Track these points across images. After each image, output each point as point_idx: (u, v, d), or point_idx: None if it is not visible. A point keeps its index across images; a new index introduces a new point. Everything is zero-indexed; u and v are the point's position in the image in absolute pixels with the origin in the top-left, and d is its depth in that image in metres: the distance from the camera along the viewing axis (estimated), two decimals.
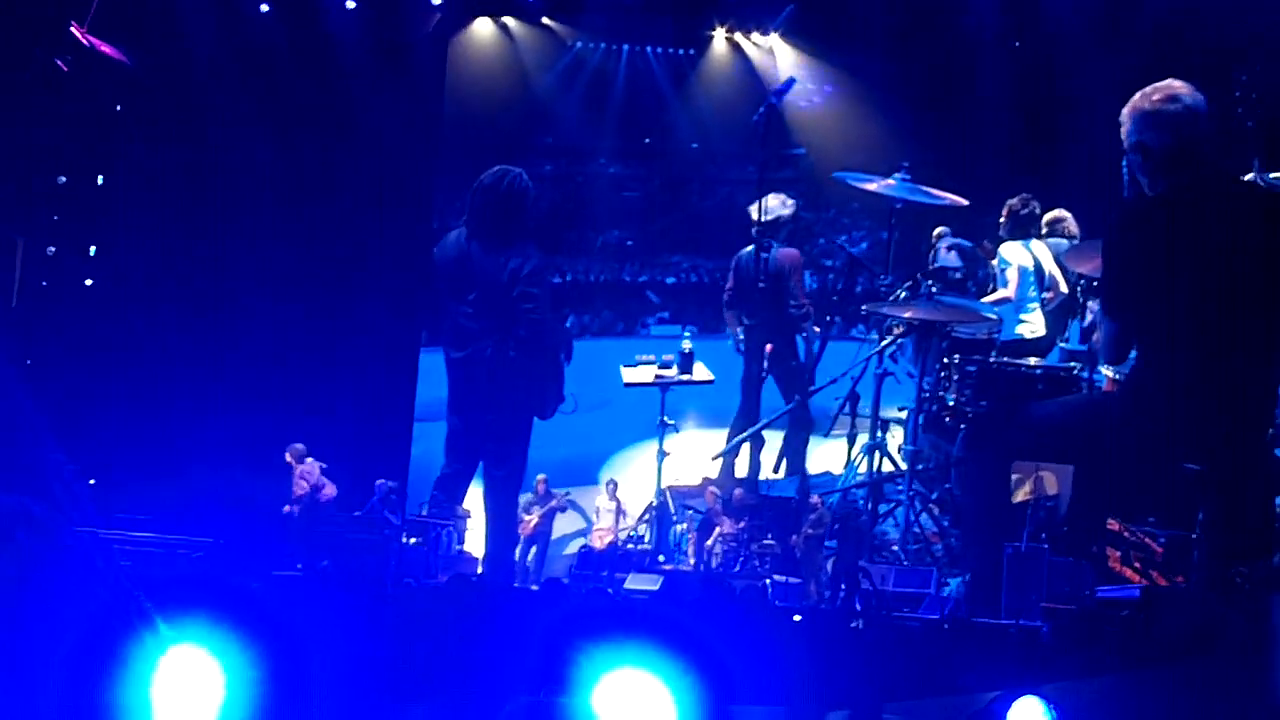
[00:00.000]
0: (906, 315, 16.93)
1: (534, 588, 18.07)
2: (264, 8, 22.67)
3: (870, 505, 17.62)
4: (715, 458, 20.83)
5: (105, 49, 18.99)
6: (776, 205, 20.30)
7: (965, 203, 17.52)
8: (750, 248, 19.85)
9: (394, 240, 22.42)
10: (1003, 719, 5.89)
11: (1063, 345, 17.50)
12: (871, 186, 17.38)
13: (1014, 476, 15.75)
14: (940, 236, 20.11)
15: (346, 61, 22.56)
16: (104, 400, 19.54)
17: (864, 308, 17.86)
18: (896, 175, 17.03)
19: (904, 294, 17.01)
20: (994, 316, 17.31)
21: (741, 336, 20.89)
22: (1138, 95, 10.47)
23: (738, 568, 18.67)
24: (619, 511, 21.05)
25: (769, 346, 19.90)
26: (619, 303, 24.94)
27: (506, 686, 6.57)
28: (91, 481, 17.56)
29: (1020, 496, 15.38)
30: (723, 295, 21.59)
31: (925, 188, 17.20)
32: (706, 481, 21.20)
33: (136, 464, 18.18)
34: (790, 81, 18.21)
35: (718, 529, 19.47)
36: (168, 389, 19.87)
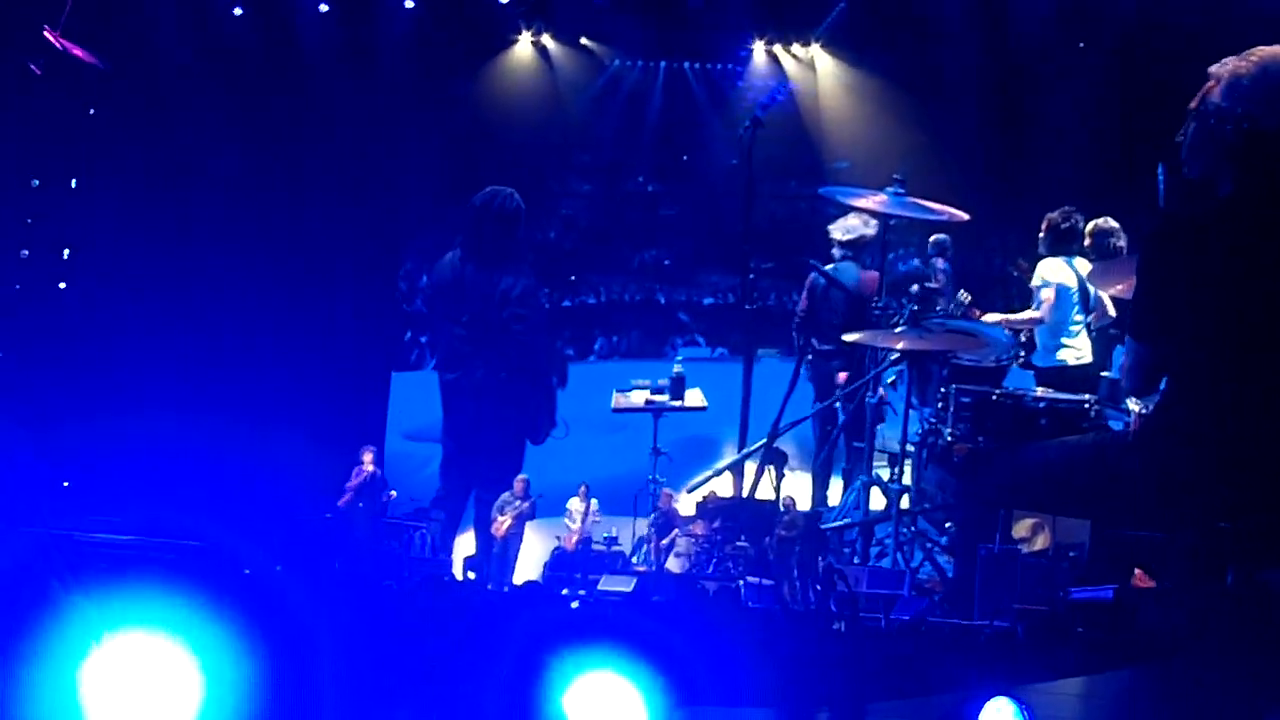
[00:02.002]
0: (855, 340, 16.32)
1: (506, 589, 18.15)
2: (237, 11, 22.65)
3: (860, 547, 16.82)
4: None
5: (78, 52, 18.93)
6: (859, 225, 19.25)
7: (965, 217, 16.59)
8: (829, 267, 19.16)
9: (366, 242, 22.42)
10: (971, 715, 5.91)
11: (1105, 376, 16.59)
12: (861, 203, 16.53)
13: (1030, 522, 15.13)
14: (935, 244, 19.65)
15: (319, 66, 22.54)
16: (76, 403, 19.49)
17: (844, 337, 16.92)
18: (888, 189, 16.01)
19: (900, 322, 15.76)
20: (989, 342, 16.10)
21: (810, 359, 19.61)
22: (1238, 60, 8.07)
23: (710, 569, 18.73)
24: (589, 514, 21.05)
25: (843, 375, 19.08)
26: (650, 323, 24.80)
27: (480, 688, 6.57)
28: (65, 484, 17.52)
29: (1038, 545, 14.78)
30: (793, 319, 20.50)
31: (920, 201, 16.28)
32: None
33: (109, 467, 18.14)
34: (778, 90, 18.02)
35: (675, 530, 19.46)
36: (139, 392, 19.82)
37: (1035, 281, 18.09)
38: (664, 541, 19.41)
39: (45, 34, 18.95)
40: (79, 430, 18.84)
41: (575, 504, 20.78)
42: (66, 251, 20.93)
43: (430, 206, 23.60)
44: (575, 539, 20.36)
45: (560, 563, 19.97)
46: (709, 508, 19.97)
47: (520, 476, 19.59)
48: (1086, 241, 18.21)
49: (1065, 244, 18.22)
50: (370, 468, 19.12)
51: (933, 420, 16.13)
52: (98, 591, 4.46)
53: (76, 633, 4.30)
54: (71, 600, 4.39)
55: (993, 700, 5.88)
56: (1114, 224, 18.24)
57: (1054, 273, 18.07)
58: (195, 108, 21.43)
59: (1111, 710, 8.83)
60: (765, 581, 19.31)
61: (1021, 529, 16.33)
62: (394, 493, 19.85)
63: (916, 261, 22.64)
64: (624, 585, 17.76)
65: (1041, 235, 18.37)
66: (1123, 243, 18.11)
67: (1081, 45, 23.83)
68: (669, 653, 7.74)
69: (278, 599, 5.59)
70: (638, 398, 19.46)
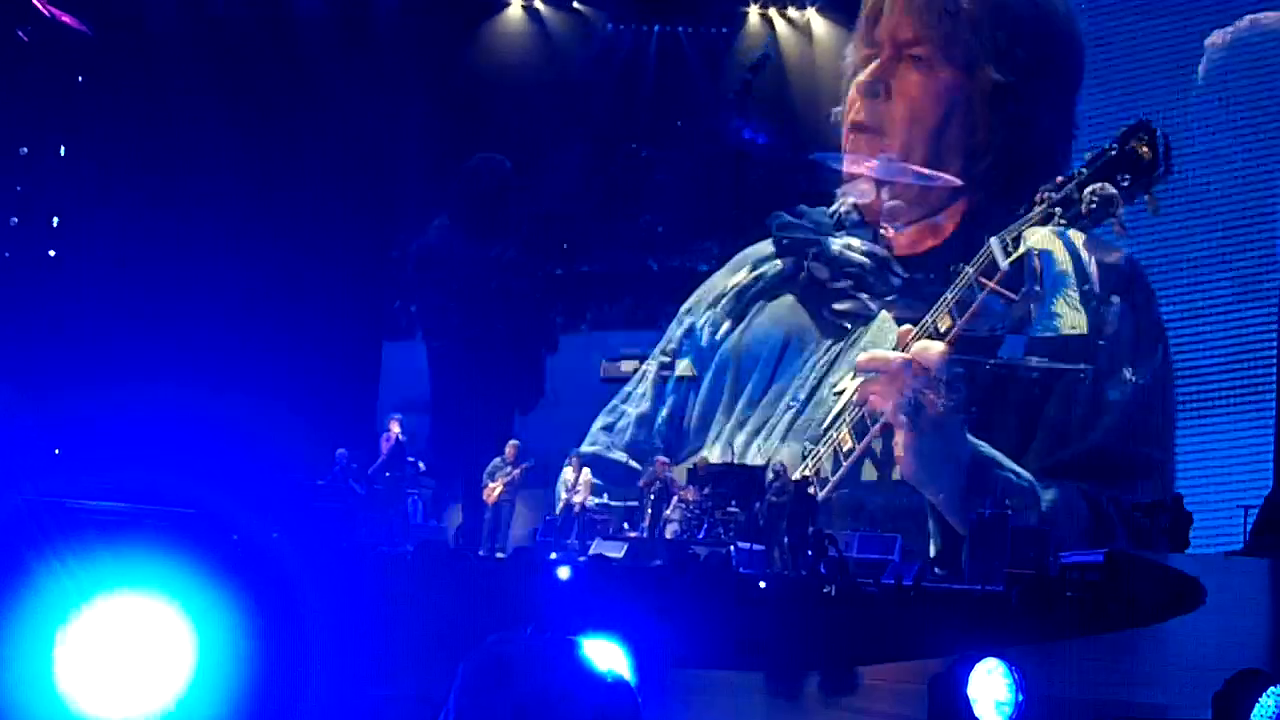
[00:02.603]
0: None
1: (500, 555, 18.22)
2: None
3: None
4: None
5: (66, 19, 18.85)
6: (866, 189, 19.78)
7: (958, 182, 16.62)
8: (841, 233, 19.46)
9: (357, 209, 22.29)
10: (965, 681, 5.91)
11: (1102, 345, 16.69)
12: (858, 169, 16.62)
13: None
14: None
15: (310, 33, 22.39)
16: (67, 370, 19.42)
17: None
18: (880, 155, 16.04)
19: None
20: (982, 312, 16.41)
21: None
22: None
23: (701, 534, 18.80)
24: (580, 482, 20.98)
25: None
26: (643, 292, 24.58)
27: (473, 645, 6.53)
28: (57, 451, 17.49)
29: None
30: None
31: (913, 167, 16.32)
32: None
33: (101, 435, 18.11)
34: (765, 55, 17.89)
35: (675, 498, 19.47)
36: (131, 360, 19.75)
37: (1023, 251, 18.14)
38: (666, 511, 19.43)
39: (33, 1, 18.87)
40: (71, 398, 18.81)
41: (567, 473, 20.73)
42: (56, 219, 20.86)
43: (422, 171, 23.52)
44: (563, 505, 20.32)
45: (551, 530, 19.96)
46: (700, 474, 20.04)
47: (511, 442, 19.59)
48: (1083, 210, 18.29)
49: (1061, 214, 18.38)
50: (398, 435, 18.88)
51: None
52: (86, 555, 4.43)
53: (55, 599, 4.25)
54: (52, 566, 4.35)
55: (983, 661, 5.89)
56: (1111, 190, 18.26)
57: (1043, 242, 18.05)
58: (185, 75, 21.31)
59: (1100, 670, 8.90)
60: (755, 547, 19.46)
61: None
62: (422, 464, 19.72)
63: None
64: (616, 551, 17.84)
65: (1037, 204, 18.45)
66: (1120, 211, 18.22)
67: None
68: (660, 616, 7.76)
69: (272, 563, 5.58)
70: (627, 366, 19.41)
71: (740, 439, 21.13)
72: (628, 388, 22.34)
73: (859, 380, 19.96)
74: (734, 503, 19.24)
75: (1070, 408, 19.19)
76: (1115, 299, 18.98)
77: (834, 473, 19.83)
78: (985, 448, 19.02)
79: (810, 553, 15.88)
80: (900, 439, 18.93)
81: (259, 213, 20.74)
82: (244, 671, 4.64)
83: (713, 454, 20.97)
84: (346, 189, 22.02)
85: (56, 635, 4.07)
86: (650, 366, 22.20)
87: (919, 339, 18.90)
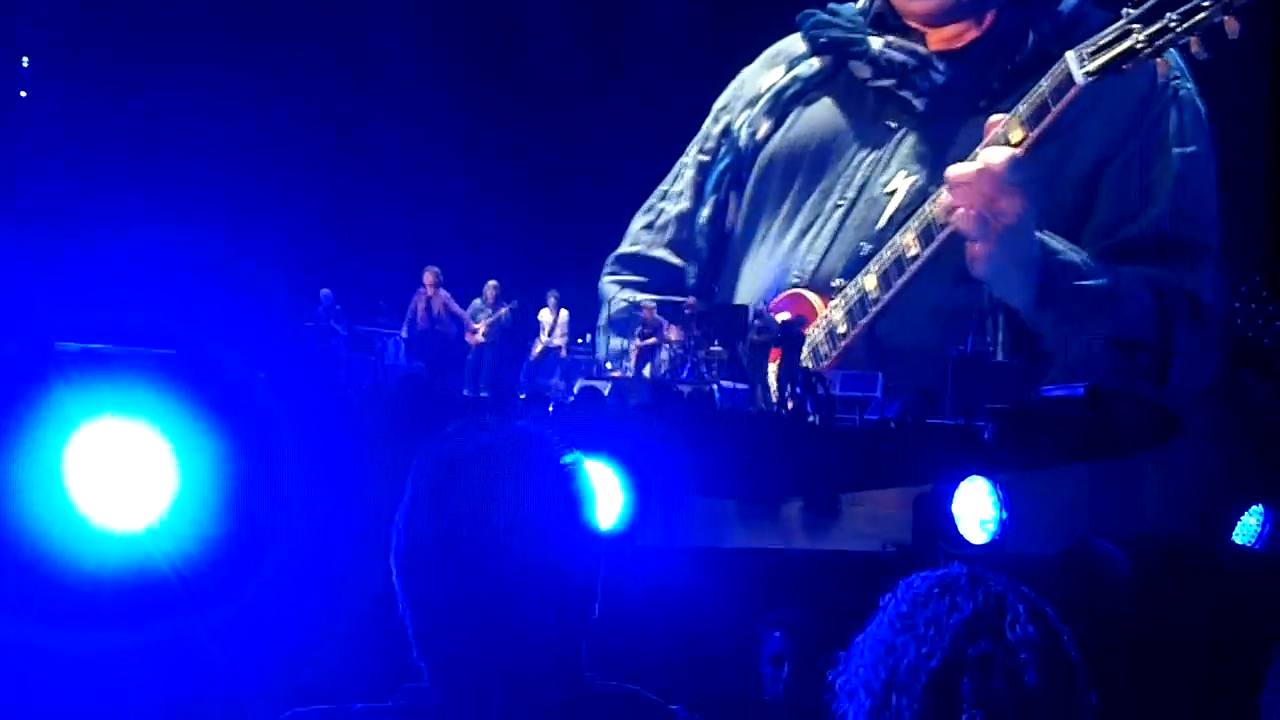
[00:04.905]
0: None
1: (484, 395, 18.22)
2: None
3: None
4: None
5: None
6: None
7: None
8: None
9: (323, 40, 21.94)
10: (950, 498, 5.96)
11: None
12: None
13: None
14: None
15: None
16: (45, 212, 19.24)
17: None
18: None
19: None
20: None
21: None
22: None
23: (685, 374, 18.84)
24: (559, 324, 20.92)
25: None
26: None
27: None
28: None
29: None
30: None
31: None
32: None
33: (83, 279, 18.01)
34: None
35: (653, 339, 19.44)
36: (112, 202, 19.52)
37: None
38: (646, 343, 19.39)
39: None
40: (52, 241, 18.64)
41: (545, 315, 20.68)
42: (26, 59, 20.53)
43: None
44: (541, 348, 20.28)
45: (531, 371, 19.97)
46: (684, 314, 20.02)
47: (490, 283, 19.47)
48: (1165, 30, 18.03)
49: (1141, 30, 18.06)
50: (431, 291, 18.44)
51: None
52: (78, 385, 4.49)
53: (58, 420, 4.34)
54: (52, 392, 4.42)
55: (968, 479, 5.93)
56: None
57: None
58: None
59: (1078, 495, 8.97)
60: (739, 385, 19.53)
61: None
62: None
63: None
64: (600, 388, 17.90)
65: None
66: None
67: None
68: (645, 450, 7.72)
69: (251, 398, 5.59)
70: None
71: (788, 239, 20.91)
72: (664, 185, 22.14)
73: (911, 179, 19.78)
74: (717, 342, 19.27)
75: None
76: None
77: (899, 277, 19.54)
78: (1062, 252, 18.91)
79: (798, 390, 15.93)
80: (974, 248, 18.61)
81: (240, 43, 20.37)
82: (223, 494, 4.67)
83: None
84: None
85: (63, 453, 4.15)
86: (688, 162, 21.98)
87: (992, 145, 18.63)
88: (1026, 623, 2.02)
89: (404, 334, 18.69)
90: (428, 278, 18.57)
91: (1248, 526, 6.33)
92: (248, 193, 19.75)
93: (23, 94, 20.54)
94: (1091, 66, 18.04)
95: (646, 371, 19.18)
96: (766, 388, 18.86)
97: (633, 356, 19.54)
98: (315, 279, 18.84)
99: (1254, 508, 6.35)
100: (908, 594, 2.10)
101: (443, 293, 18.68)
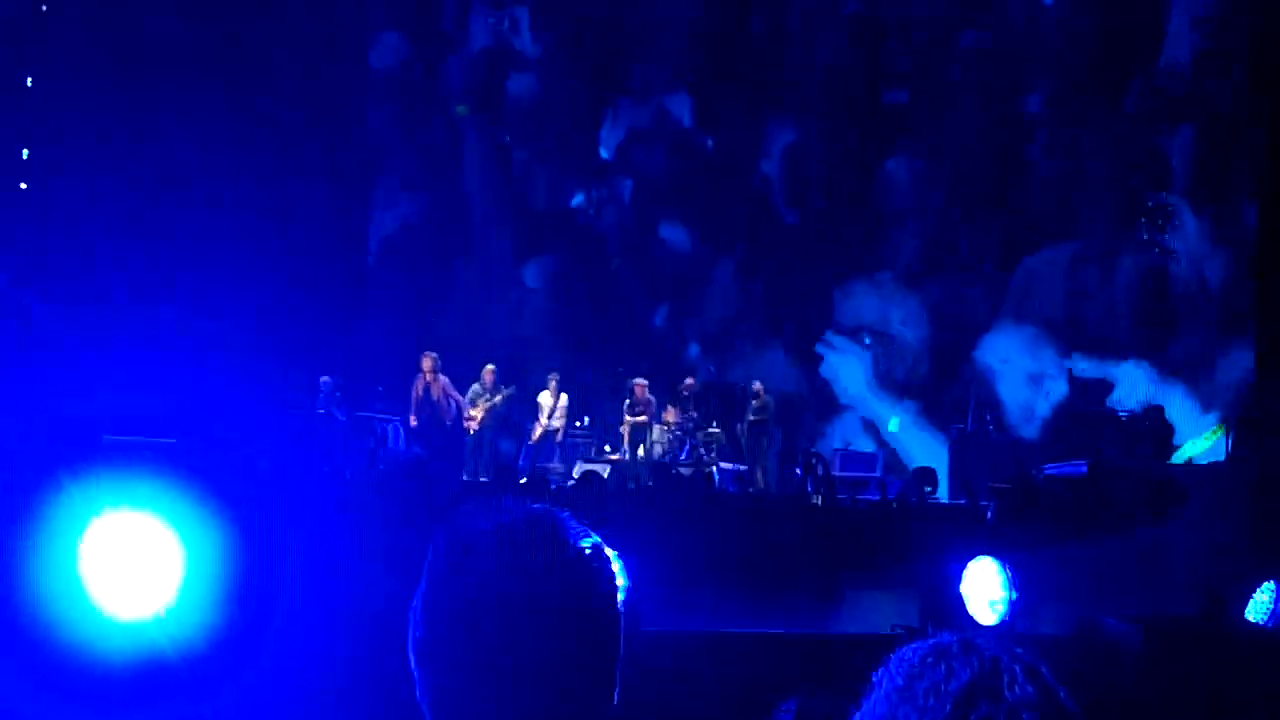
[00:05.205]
0: None
1: (483, 479, 18.16)
2: None
3: None
4: None
5: None
6: None
7: None
8: None
9: (326, 127, 22.03)
10: (959, 579, 5.92)
11: None
12: None
13: None
14: None
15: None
16: (48, 300, 19.21)
17: None
18: None
19: None
20: None
21: None
22: None
23: (684, 455, 18.80)
24: (559, 407, 20.87)
25: None
26: None
27: None
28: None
29: None
30: None
31: None
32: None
33: (87, 365, 17.97)
34: None
35: (644, 416, 19.33)
36: (113, 289, 19.50)
37: None
38: (638, 420, 19.32)
39: None
40: (55, 328, 18.60)
41: (545, 398, 20.66)
42: (26, 151, 20.60)
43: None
44: (541, 431, 20.23)
45: (531, 454, 19.90)
46: (682, 395, 20.01)
47: (488, 367, 19.45)
48: None
49: None
50: (430, 376, 18.33)
51: None
52: (92, 476, 4.56)
53: (73, 512, 4.41)
54: (68, 483, 4.48)
55: (976, 560, 5.90)
56: None
57: None
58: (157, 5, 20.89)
59: (1086, 574, 8.93)
60: (738, 466, 19.50)
61: None
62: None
63: None
64: (600, 472, 17.85)
65: None
66: None
67: None
68: (645, 535, 7.72)
69: (258, 486, 5.61)
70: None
71: None
72: None
73: None
74: (715, 423, 19.26)
75: None
76: None
77: None
78: None
79: (799, 471, 15.93)
80: None
81: (239, 135, 20.45)
82: (228, 582, 4.66)
83: None
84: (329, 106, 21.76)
85: (79, 544, 4.21)
86: None
87: None
88: (1025, 683, 2.01)
89: (413, 420, 18.62)
90: (426, 363, 18.56)
91: (1260, 603, 6.28)
92: (247, 277, 19.79)
93: (22, 185, 20.60)
94: None
95: (641, 451, 19.11)
96: (765, 468, 18.85)
97: (624, 435, 19.46)
98: (316, 366, 18.82)
99: (1266, 584, 6.31)
100: (901, 667, 2.08)
101: (442, 378, 18.65)
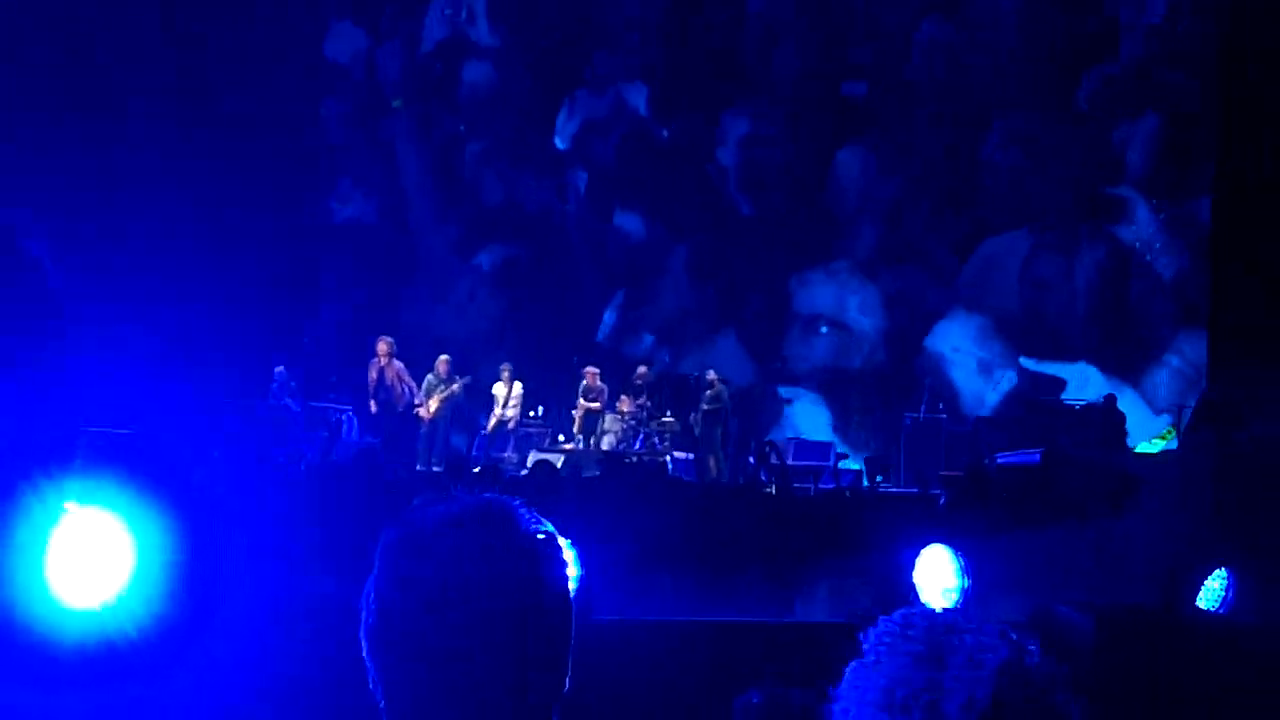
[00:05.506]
0: None
1: (436, 470, 18.10)
2: None
3: None
4: None
5: None
6: None
7: None
8: None
9: (281, 119, 21.91)
10: (907, 567, 5.93)
11: None
12: None
13: None
14: None
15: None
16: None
17: None
18: None
19: None
20: None
21: None
22: None
23: (638, 444, 18.78)
24: (512, 396, 20.78)
25: None
26: None
27: None
28: None
29: None
30: None
31: None
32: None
33: (44, 359, 17.73)
34: None
35: (597, 404, 19.31)
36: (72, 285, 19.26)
37: None
38: (591, 407, 19.29)
39: None
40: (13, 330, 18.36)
41: (499, 388, 20.56)
42: None
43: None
44: (495, 421, 20.14)
45: (485, 444, 19.84)
46: (635, 384, 19.97)
47: (442, 357, 19.38)
48: None
49: None
50: (384, 360, 18.17)
51: None
52: (56, 475, 4.60)
53: (42, 509, 4.46)
54: (35, 481, 4.51)
55: (929, 547, 5.90)
56: None
57: None
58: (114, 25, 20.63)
59: (1038, 562, 8.94)
60: (691, 456, 19.50)
61: None
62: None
63: None
64: (553, 462, 17.82)
65: None
66: None
67: None
68: (599, 525, 7.70)
69: (208, 477, 5.60)
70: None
71: None
72: None
73: None
74: (669, 412, 19.26)
75: None
76: None
77: None
78: None
79: (752, 460, 15.94)
80: None
81: (191, 129, 20.31)
82: (176, 572, 4.65)
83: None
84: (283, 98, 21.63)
85: (48, 540, 4.23)
86: None
87: None
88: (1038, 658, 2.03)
89: (372, 406, 18.52)
90: (381, 346, 18.49)
91: (1212, 591, 6.30)
92: (201, 270, 19.67)
93: None
94: None
95: (592, 442, 19.08)
96: (719, 458, 18.85)
97: (576, 421, 19.44)
98: (269, 355, 18.73)
99: (1217, 572, 6.34)
100: (924, 632, 2.06)
101: (396, 363, 18.58)
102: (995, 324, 20.99)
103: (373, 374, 18.41)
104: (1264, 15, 16.44)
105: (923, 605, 5.72)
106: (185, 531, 4.84)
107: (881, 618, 2.10)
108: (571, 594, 2.31)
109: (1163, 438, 18.26)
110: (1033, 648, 1.98)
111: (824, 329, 21.87)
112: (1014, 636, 1.99)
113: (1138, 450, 18.29)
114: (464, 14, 24.03)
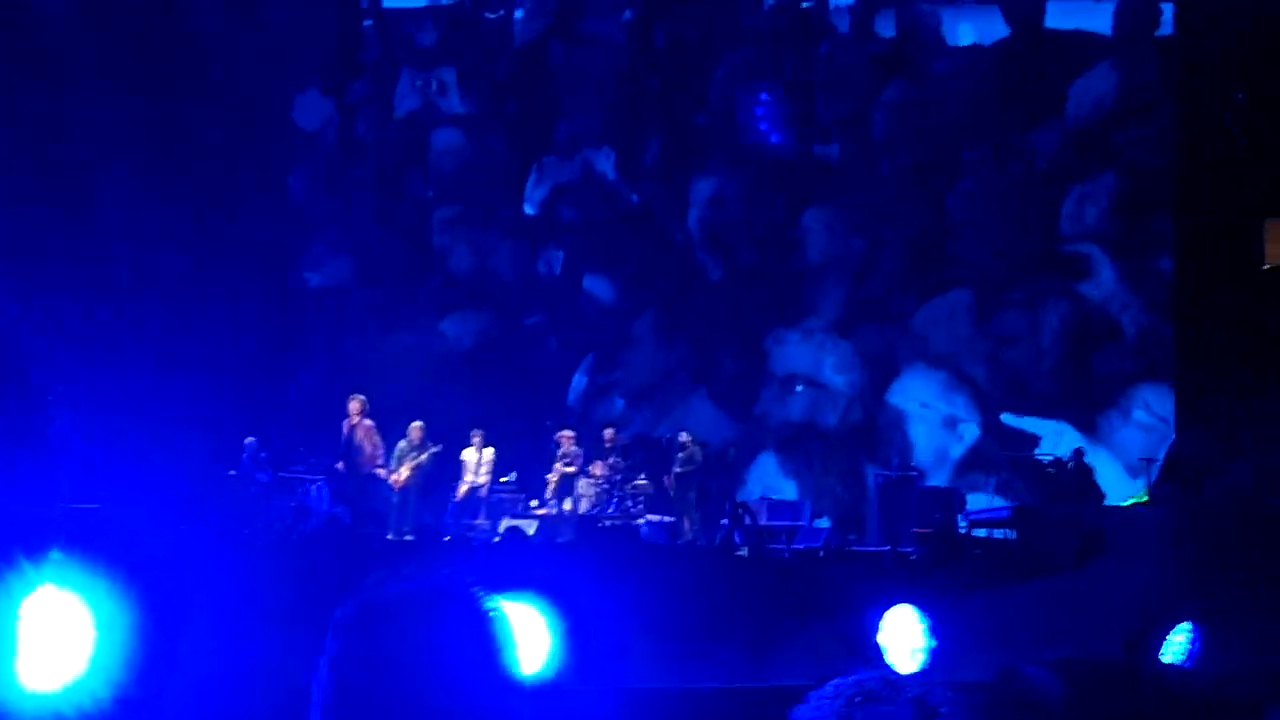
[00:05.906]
0: None
1: (408, 538, 18.04)
2: None
3: None
4: None
5: None
6: None
7: None
8: None
9: (252, 188, 21.95)
10: (877, 628, 5.96)
11: None
12: None
13: None
14: None
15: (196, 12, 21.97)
16: None
17: None
18: None
19: None
20: None
21: None
22: None
23: (611, 508, 18.72)
24: (483, 462, 20.71)
25: None
26: None
27: None
28: None
29: None
30: None
31: None
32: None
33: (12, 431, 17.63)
34: None
35: (572, 467, 19.26)
36: (44, 351, 19.16)
37: None
38: (568, 470, 19.22)
39: None
40: None
41: (469, 454, 20.51)
42: None
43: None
44: (466, 488, 20.04)
45: (456, 512, 19.74)
46: (605, 447, 19.94)
47: (415, 424, 19.32)
48: None
49: None
50: (355, 420, 18.18)
51: None
52: (27, 555, 4.60)
53: (13, 586, 4.46)
54: (9, 563, 4.51)
55: (895, 608, 5.93)
56: None
57: None
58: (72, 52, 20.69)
59: (1009, 621, 8.97)
60: (665, 519, 19.46)
61: None
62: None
63: None
64: (526, 528, 17.76)
65: None
66: None
67: None
68: (573, 591, 7.68)
69: (169, 555, 5.59)
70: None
71: None
72: None
73: None
74: (643, 475, 19.22)
75: None
76: None
77: None
78: None
79: (725, 522, 15.94)
80: None
81: (162, 197, 20.30)
82: (135, 651, 4.65)
83: None
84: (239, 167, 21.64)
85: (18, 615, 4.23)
86: None
87: None
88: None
89: (340, 465, 18.48)
90: (353, 405, 18.45)
91: (1176, 644, 6.34)
92: (172, 340, 19.66)
93: None
94: None
95: (568, 505, 19.02)
96: (693, 519, 18.83)
97: (550, 485, 19.36)
98: (241, 426, 18.67)
99: (1182, 625, 6.37)
100: (826, 706, 2.10)
101: (366, 421, 18.54)
102: (957, 379, 21.11)
103: (345, 432, 18.40)
104: (1215, 68, 16.71)
105: (884, 668, 5.75)
106: (146, 611, 4.84)
107: (830, 681, 2.13)
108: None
109: (1140, 500, 18.35)
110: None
111: (799, 388, 21.92)
112: (935, 705, 2.02)
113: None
114: (434, 86, 24.15)
